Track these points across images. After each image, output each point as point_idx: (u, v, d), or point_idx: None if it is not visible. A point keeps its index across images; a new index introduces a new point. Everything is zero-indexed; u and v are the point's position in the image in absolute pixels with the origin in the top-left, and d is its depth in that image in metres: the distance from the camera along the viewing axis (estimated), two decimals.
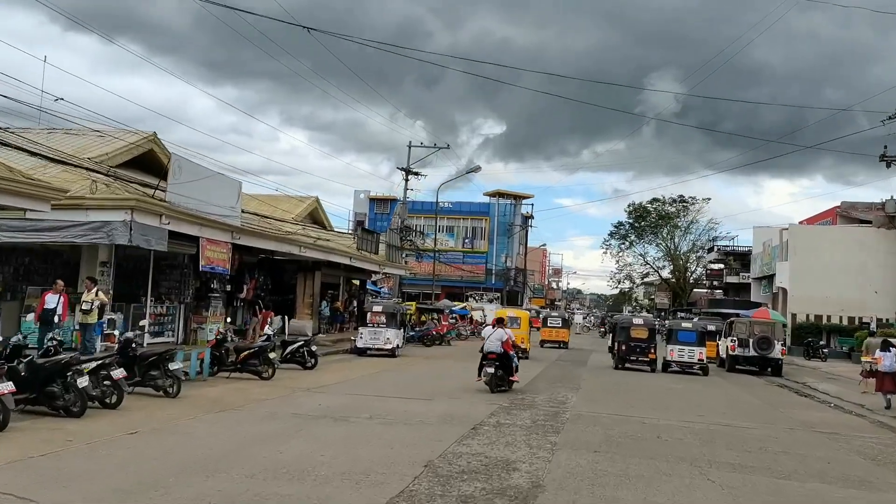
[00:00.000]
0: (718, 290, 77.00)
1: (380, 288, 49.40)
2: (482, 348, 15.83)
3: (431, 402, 13.19)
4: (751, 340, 26.48)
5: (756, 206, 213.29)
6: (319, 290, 29.70)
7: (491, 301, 67.02)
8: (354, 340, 23.96)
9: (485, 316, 46.28)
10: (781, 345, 26.81)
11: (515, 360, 15.97)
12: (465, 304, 42.97)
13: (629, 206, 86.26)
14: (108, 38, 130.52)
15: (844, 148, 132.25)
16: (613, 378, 20.67)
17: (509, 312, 32.18)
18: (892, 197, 37.70)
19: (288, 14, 41.64)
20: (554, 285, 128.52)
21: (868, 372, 20.61)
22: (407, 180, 40.97)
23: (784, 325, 30.69)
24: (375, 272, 33.29)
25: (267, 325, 18.37)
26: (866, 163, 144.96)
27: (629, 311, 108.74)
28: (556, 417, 12.13)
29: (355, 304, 35.25)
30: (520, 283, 78.77)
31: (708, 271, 78.73)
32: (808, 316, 38.54)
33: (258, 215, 23.37)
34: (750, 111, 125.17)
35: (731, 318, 29.16)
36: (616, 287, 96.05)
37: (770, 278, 45.87)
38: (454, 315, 40.09)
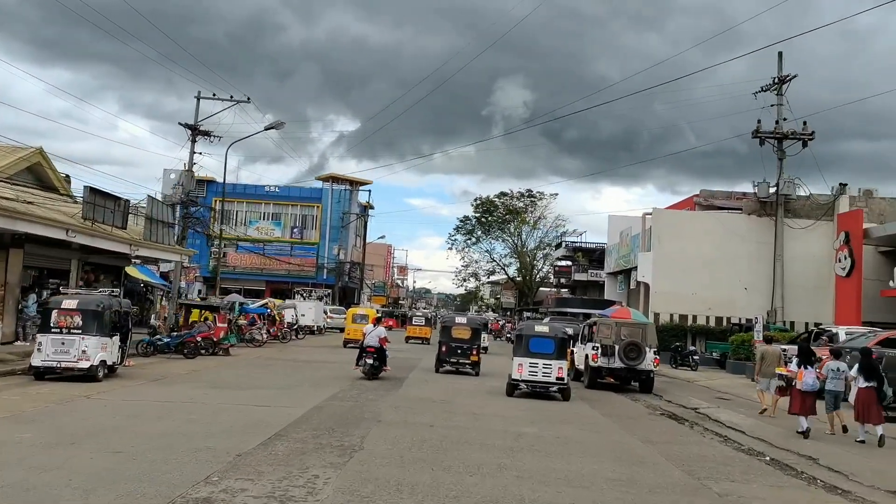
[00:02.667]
0: (565, 289, 72.85)
1: (170, 282, 39.83)
2: (361, 344, 19.02)
3: None
4: (616, 348, 20.12)
5: (595, 211, 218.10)
6: (20, 278, 20.21)
7: (321, 298, 58.65)
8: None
9: (297, 315, 37.85)
10: (654, 353, 20.58)
11: (387, 353, 18.94)
12: (265, 301, 34.33)
13: (476, 199, 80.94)
14: None
15: (672, 160, 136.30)
16: (429, 413, 13.12)
17: (360, 311, 35.32)
18: (764, 180, 33.16)
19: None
20: (399, 283, 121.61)
21: (782, 389, 15.24)
22: (194, 141, 31.76)
23: (656, 328, 24.66)
24: (126, 254, 24.00)
25: None
26: (691, 173, 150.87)
27: (475, 311, 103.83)
28: None
29: None
30: (356, 279, 70.35)
31: (556, 268, 74.45)
32: (672, 316, 33.25)
33: None
34: (591, 122, 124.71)
35: (593, 319, 22.68)
36: (461, 285, 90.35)
37: (627, 273, 40.67)
38: (251, 314, 31.36)
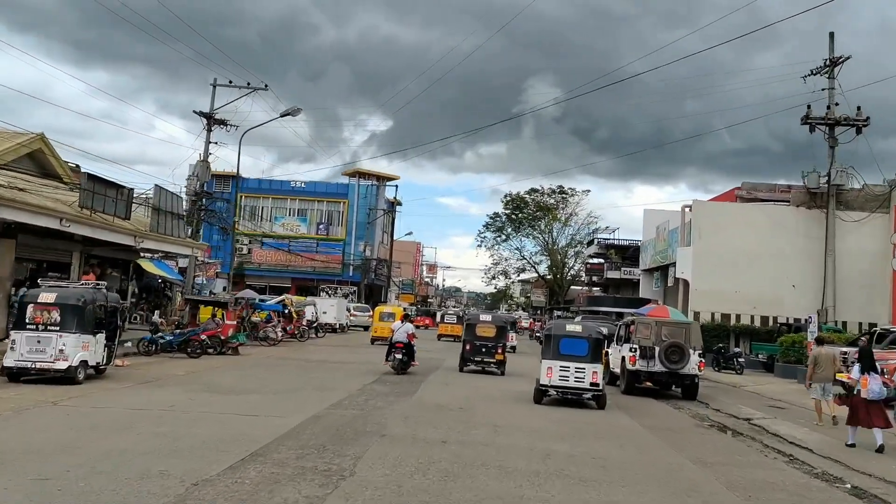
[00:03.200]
0: (597, 287, 70.60)
1: (193, 279, 38.82)
2: (390, 340, 19.78)
3: None
4: (657, 349, 18.18)
5: (628, 204, 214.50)
6: (12, 271, 18.93)
7: (346, 296, 57.28)
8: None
9: (317, 313, 36.39)
10: (699, 355, 18.59)
11: (415, 348, 19.77)
12: (281, 298, 32.78)
13: (506, 196, 78.94)
14: None
15: (704, 159, 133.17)
16: (443, 424, 11.40)
17: (387, 309, 36.07)
18: (814, 169, 30.84)
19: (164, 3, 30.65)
20: (429, 281, 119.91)
21: (842, 398, 13.10)
22: (210, 130, 30.42)
23: (702, 327, 22.59)
24: (130, 247, 22.65)
25: None
26: (724, 171, 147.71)
27: (505, 310, 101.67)
28: None
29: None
30: (383, 277, 68.74)
31: (587, 266, 72.19)
32: (713, 315, 31.07)
33: None
34: (621, 120, 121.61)
35: (631, 318, 20.77)
36: (490, 283, 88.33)
37: (664, 269, 38.49)
38: (267, 311, 29.93)
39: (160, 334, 20.32)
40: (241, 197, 62.75)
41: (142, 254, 33.27)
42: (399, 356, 19.01)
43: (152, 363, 18.43)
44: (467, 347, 21.05)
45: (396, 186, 67.93)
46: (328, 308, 40.73)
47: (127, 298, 26.93)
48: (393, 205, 70.78)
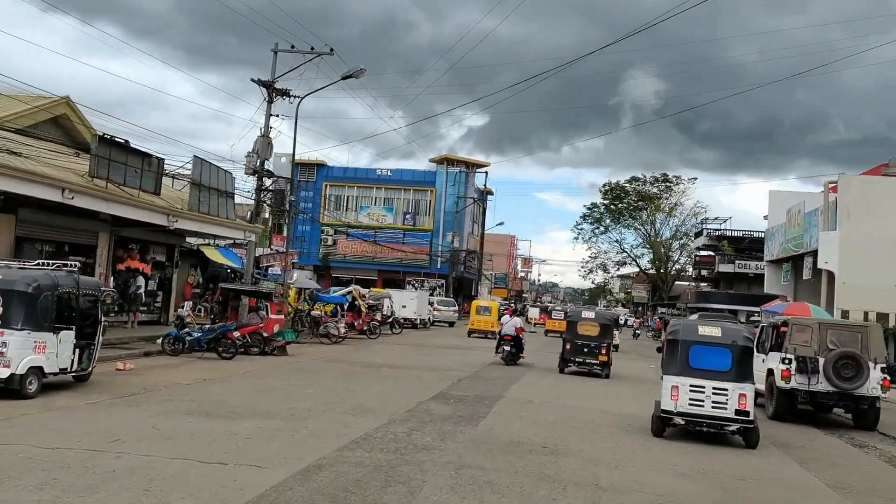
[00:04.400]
0: (705, 283, 64.10)
1: (264, 270, 36.03)
2: (499, 332, 21.59)
3: None
4: (821, 361, 13.29)
5: (731, 203, 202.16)
6: (10, 251, 15.90)
7: (433, 289, 53.60)
8: None
9: (392, 306, 32.69)
10: (882, 370, 13.54)
11: (524, 341, 21.00)
12: (349, 290, 29.03)
13: (604, 185, 73.45)
14: (84, 20, 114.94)
15: (816, 150, 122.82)
16: (514, 484, 7.18)
17: (483, 303, 36.88)
18: None
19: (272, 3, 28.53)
20: (524, 276, 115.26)
21: None
22: (270, 101, 27.06)
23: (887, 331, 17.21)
24: (162, 227, 19.39)
25: None
26: (838, 163, 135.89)
27: (604, 306, 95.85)
28: None
29: (141, 283, 21.41)
30: (473, 270, 64.64)
31: (696, 258, 65.77)
32: (866, 315, 25.25)
33: None
34: (726, 111, 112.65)
35: (780, 319, 15.85)
36: (587, 277, 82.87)
37: (797, 260, 32.62)
38: (333, 304, 26.40)
39: (186, 330, 16.91)
40: (325, 186, 60.54)
41: (207, 241, 30.55)
42: (508, 348, 20.25)
43: (169, 366, 15.01)
44: (568, 347, 19.38)
45: (486, 173, 63.60)
46: (408, 302, 37.00)
47: (173, 287, 23.96)
48: (484, 193, 66.59)
